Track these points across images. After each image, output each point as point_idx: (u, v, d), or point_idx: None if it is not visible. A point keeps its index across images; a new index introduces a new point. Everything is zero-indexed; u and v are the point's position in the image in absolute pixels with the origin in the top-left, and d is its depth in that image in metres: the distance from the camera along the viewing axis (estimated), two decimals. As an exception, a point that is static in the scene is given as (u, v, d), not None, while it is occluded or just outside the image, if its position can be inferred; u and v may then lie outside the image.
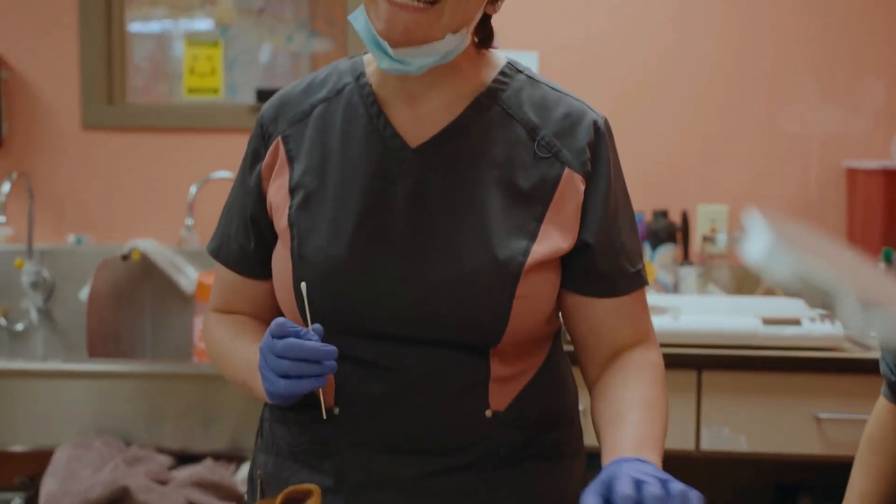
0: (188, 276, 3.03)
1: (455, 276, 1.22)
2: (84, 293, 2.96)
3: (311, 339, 1.15)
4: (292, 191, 1.28)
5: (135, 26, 3.29)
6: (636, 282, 1.31)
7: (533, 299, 1.25)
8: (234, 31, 3.28)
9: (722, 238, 2.86)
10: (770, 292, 2.80)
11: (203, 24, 3.32)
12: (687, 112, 2.99)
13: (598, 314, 1.30)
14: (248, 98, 3.23)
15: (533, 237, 1.23)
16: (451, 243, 1.23)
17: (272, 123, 1.32)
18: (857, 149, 2.91)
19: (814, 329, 2.31)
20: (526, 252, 1.22)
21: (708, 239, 2.88)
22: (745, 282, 2.87)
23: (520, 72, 1.32)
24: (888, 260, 2.51)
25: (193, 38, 3.27)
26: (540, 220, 1.24)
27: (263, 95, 3.12)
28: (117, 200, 3.17)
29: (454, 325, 1.23)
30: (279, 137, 1.31)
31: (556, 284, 1.29)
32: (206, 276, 2.88)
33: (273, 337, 1.16)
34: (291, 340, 1.14)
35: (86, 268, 3.07)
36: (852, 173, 2.87)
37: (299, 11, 3.30)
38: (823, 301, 0.55)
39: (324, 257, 1.24)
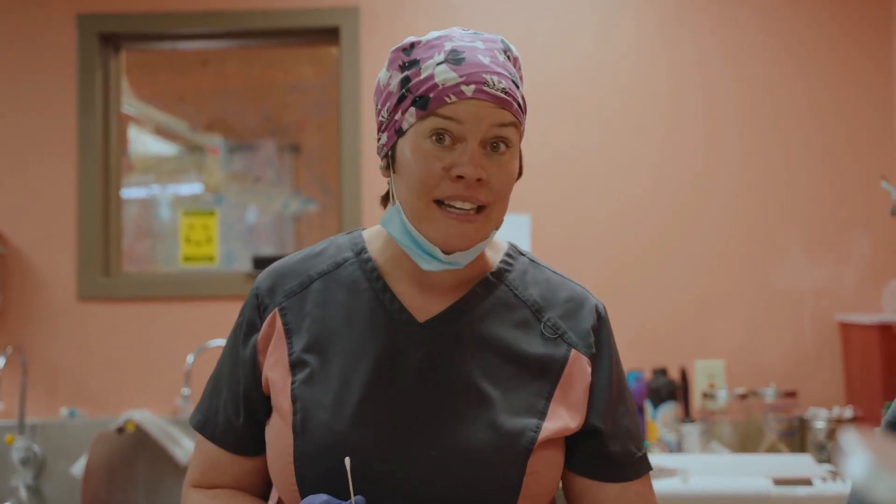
0: (184, 447, 2.97)
1: (465, 452, 1.19)
2: (77, 468, 2.89)
3: None
4: (293, 366, 1.25)
5: (123, 192, 3.35)
6: (643, 466, 1.32)
7: (542, 477, 1.23)
8: (230, 200, 3.34)
9: (722, 394, 2.87)
10: (774, 449, 2.79)
11: (191, 187, 3.38)
12: (681, 270, 3.05)
13: (609, 499, 1.29)
14: (245, 265, 3.26)
15: (542, 415, 1.23)
16: (460, 420, 1.20)
17: (268, 295, 1.30)
18: (847, 303, 2.97)
19: (826, 488, 2.30)
20: (537, 428, 1.22)
21: (708, 395, 2.89)
22: (748, 438, 2.87)
23: (522, 255, 1.36)
24: (891, 414, 2.52)
25: (189, 208, 3.32)
26: (548, 399, 1.24)
27: (260, 263, 3.15)
28: (112, 371, 3.14)
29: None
30: (276, 309, 1.29)
31: (561, 464, 1.28)
32: (204, 447, 2.83)
33: None
34: None
35: (78, 442, 3.01)
36: (846, 327, 2.92)
37: (293, 178, 3.38)
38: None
39: (326, 432, 1.20)
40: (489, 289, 1.29)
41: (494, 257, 1.33)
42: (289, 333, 1.27)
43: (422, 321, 1.26)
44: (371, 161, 3.12)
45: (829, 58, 3.07)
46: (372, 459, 1.19)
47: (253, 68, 3.39)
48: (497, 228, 1.26)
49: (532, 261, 1.36)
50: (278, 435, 1.25)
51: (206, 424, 1.33)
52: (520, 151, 1.27)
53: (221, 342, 3.00)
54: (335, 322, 1.27)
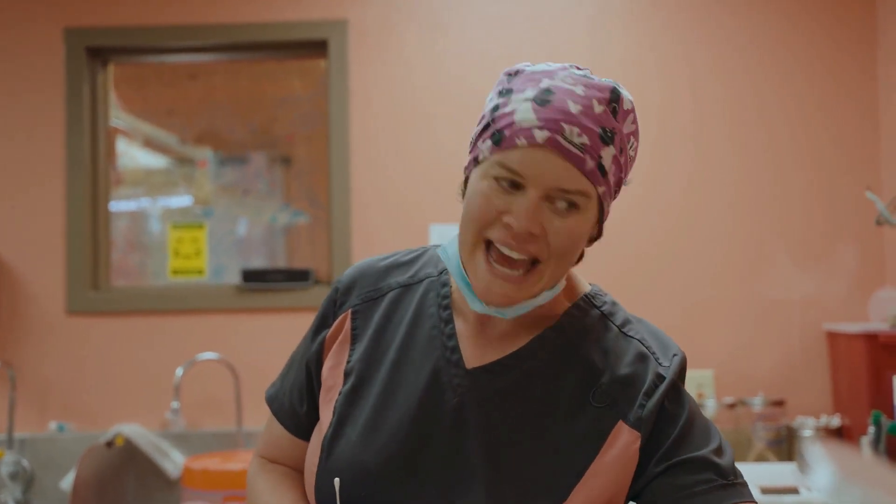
0: (174, 460, 2.97)
1: None
2: (66, 483, 2.89)
3: None
4: (346, 374, 1.23)
5: (112, 205, 3.35)
6: (733, 493, 1.10)
7: None
8: (219, 212, 3.35)
9: (710, 404, 2.88)
10: (762, 458, 2.80)
11: (180, 200, 3.39)
12: (670, 282, 3.06)
13: None
14: (234, 278, 3.26)
15: (563, 496, 1.10)
16: (480, 482, 1.12)
17: (346, 292, 1.28)
18: (834, 312, 2.98)
19: (812, 497, 2.31)
20: None
21: (696, 405, 2.90)
22: (736, 447, 2.87)
23: (595, 306, 1.23)
24: (877, 423, 2.53)
25: (178, 221, 3.32)
26: (579, 476, 1.12)
27: (249, 276, 3.15)
28: (101, 385, 3.13)
29: None
30: (349, 310, 1.26)
31: None
32: (193, 460, 2.82)
33: None
34: None
35: (67, 456, 3.00)
36: (833, 336, 2.93)
37: (283, 191, 3.38)
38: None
39: (350, 459, 1.17)
40: (545, 345, 1.18)
41: (563, 305, 1.22)
42: (354, 339, 1.25)
43: (469, 367, 1.18)
44: (359, 173, 3.13)
45: (817, 70, 3.09)
46: (385, 494, 1.14)
47: (242, 81, 3.40)
48: (554, 287, 1.15)
49: (603, 315, 1.22)
50: (311, 444, 1.24)
51: (274, 400, 1.34)
52: (601, 213, 1.15)
53: (211, 355, 3.00)
54: (394, 339, 1.23)
